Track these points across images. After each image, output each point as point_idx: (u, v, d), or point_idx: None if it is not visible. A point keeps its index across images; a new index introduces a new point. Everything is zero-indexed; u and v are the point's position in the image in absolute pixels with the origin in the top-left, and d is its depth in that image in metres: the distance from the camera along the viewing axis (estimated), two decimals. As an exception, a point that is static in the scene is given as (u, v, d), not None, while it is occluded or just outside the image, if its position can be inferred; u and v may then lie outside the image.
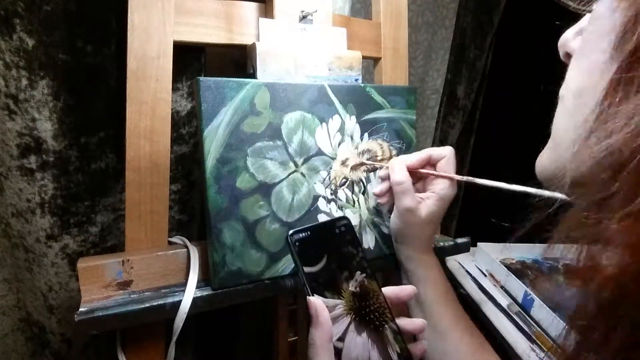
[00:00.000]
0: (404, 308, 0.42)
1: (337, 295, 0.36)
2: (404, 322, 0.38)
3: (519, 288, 0.71)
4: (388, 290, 0.39)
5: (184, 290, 0.43)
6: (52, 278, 0.55)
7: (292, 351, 0.58)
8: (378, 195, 0.51)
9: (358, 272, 0.38)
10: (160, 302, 0.41)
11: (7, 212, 0.52)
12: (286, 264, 0.47)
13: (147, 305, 0.41)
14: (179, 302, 0.42)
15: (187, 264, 0.45)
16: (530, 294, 0.68)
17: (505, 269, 0.76)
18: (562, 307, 0.55)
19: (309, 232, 0.37)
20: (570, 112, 0.25)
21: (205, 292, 0.43)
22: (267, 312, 0.58)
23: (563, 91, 0.26)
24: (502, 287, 0.75)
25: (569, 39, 0.27)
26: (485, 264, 0.82)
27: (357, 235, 0.39)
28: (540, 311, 0.65)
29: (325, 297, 0.35)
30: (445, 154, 0.48)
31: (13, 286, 0.57)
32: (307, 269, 0.36)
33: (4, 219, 0.53)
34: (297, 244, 0.36)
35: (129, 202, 0.43)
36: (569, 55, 0.26)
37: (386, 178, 0.50)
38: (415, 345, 0.38)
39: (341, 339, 0.35)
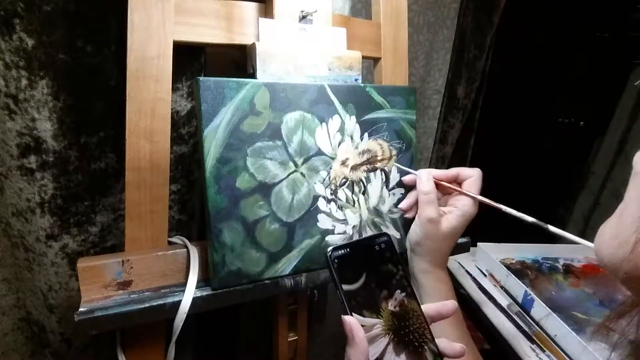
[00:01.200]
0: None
1: (375, 315, 0.35)
2: (443, 346, 0.37)
3: (519, 288, 0.71)
4: (429, 308, 0.38)
5: (183, 290, 0.43)
6: (52, 277, 0.55)
7: (292, 351, 0.58)
8: (405, 210, 0.52)
9: (398, 291, 0.37)
10: (160, 302, 0.41)
11: (7, 212, 0.52)
12: (286, 264, 0.47)
13: (147, 305, 0.41)
14: (179, 302, 0.42)
15: (187, 264, 0.45)
16: (530, 294, 0.68)
17: (505, 269, 0.76)
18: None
19: (348, 249, 0.36)
20: None
21: (205, 292, 0.43)
22: (267, 312, 0.58)
23: None
24: (502, 287, 0.75)
25: None
26: (485, 264, 0.82)
27: (397, 251, 0.38)
28: (540, 311, 0.65)
29: (364, 316, 0.34)
30: (473, 174, 0.50)
31: (13, 286, 0.57)
32: (345, 287, 0.35)
33: (4, 219, 0.53)
34: (336, 261, 0.35)
35: (129, 202, 0.43)
36: None
37: (411, 186, 0.51)
38: None
39: (379, 359, 0.34)
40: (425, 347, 0.36)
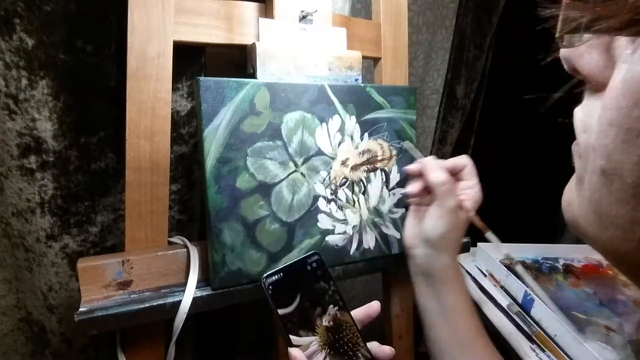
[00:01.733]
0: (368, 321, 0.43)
1: (311, 332, 0.37)
2: (375, 349, 0.40)
3: (519, 288, 0.71)
4: (358, 313, 0.41)
5: (183, 290, 0.43)
6: (52, 278, 0.55)
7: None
8: (413, 195, 0.49)
9: (331, 306, 0.39)
10: (160, 302, 0.41)
11: (7, 212, 0.52)
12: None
13: (147, 305, 0.41)
14: (179, 302, 0.42)
15: (187, 264, 0.45)
16: (530, 294, 0.68)
17: (505, 269, 0.76)
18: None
19: (281, 274, 0.38)
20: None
21: (205, 292, 0.43)
22: (267, 312, 0.58)
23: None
24: (502, 287, 0.75)
25: (583, 54, 0.20)
26: (485, 264, 0.82)
27: (327, 268, 0.41)
28: (540, 311, 0.65)
29: (300, 336, 0.37)
30: (466, 162, 0.48)
31: (13, 286, 0.57)
32: (281, 311, 0.37)
33: (4, 219, 0.53)
34: (270, 287, 0.38)
35: (129, 202, 0.43)
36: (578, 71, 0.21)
37: (416, 175, 0.49)
38: None
39: None
40: (359, 354, 0.38)
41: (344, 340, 0.38)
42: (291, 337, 0.36)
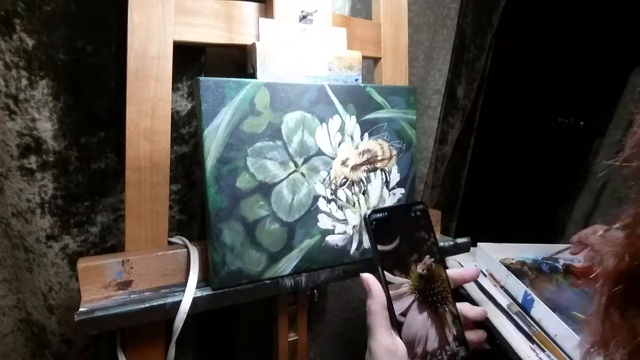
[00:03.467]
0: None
1: (405, 275, 0.39)
2: (465, 308, 0.41)
3: (519, 288, 0.71)
4: (453, 273, 0.42)
5: (184, 290, 0.43)
6: (52, 278, 0.55)
7: (292, 351, 0.58)
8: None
9: (427, 256, 0.40)
10: (160, 302, 0.41)
11: (7, 212, 0.52)
12: (286, 264, 0.47)
13: (147, 305, 0.41)
14: (179, 302, 0.42)
15: (187, 264, 0.45)
16: (530, 294, 0.68)
17: (505, 269, 0.76)
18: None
19: (386, 213, 0.39)
20: None
21: (205, 292, 0.43)
22: (267, 312, 0.58)
23: None
24: (502, 287, 0.75)
25: None
26: (485, 264, 0.82)
27: (430, 220, 0.42)
28: (540, 311, 0.65)
29: (394, 275, 0.38)
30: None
31: (13, 286, 0.57)
32: (380, 247, 0.38)
33: (4, 219, 0.53)
34: (374, 222, 0.39)
35: (129, 202, 0.43)
36: None
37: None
38: (473, 332, 0.41)
39: (403, 314, 0.38)
40: (447, 308, 0.40)
41: (435, 290, 0.40)
42: (385, 273, 0.38)
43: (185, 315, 0.42)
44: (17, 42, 0.46)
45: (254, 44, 0.46)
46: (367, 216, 0.39)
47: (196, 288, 0.43)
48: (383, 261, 0.38)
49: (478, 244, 0.84)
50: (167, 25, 0.43)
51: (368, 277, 0.38)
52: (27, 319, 0.58)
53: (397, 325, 0.37)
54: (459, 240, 0.63)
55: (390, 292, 0.37)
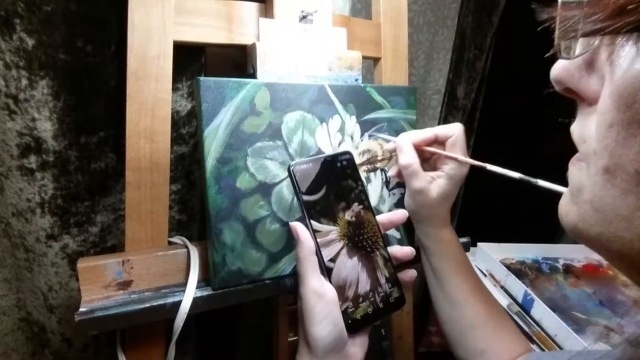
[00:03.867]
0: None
1: (332, 223, 0.39)
2: (394, 250, 0.43)
3: (519, 288, 0.71)
4: (383, 218, 0.43)
5: (184, 290, 0.43)
6: (52, 278, 0.55)
7: (292, 351, 0.58)
8: (393, 177, 0.53)
9: (355, 204, 0.41)
10: (160, 302, 0.41)
11: (7, 212, 0.52)
12: (286, 264, 0.47)
13: (147, 305, 0.41)
14: (179, 302, 0.42)
15: (187, 264, 0.45)
16: (530, 294, 0.68)
17: (505, 269, 0.76)
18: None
19: (310, 164, 0.40)
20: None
21: (205, 292, 0.43)
22: (267, 312, 0.58)
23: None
24: (502, 287, 0.75)
25: (574, 75, 0.23)
26: (485, 264, 0.82)
27: (358, 169, 0.42)
28: (540, 311, 0.65)
29: (321, 223, 0.39)
30: (453, 132, 0.47)
31: (13, 286, 0.57)
32: (305, 197, 0.39)
33: (4, 219, 0.53)
34: (297, 174, 0.39)
35: (129, 202, 0.43)
36: (571, 91, 0.23)
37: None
38: (404, 272, 0.42)
39: (332, 260, 0.38)
40: (377, 252, 0.41)
41: (364, 237, 0.40)
42: (312, 222, 0.38)
43: (185, 315, 0.42)
44: (17, 42, 0.46)
45: (254, 44, 0.46)
46: (290, 167, 0.39)
47: (196, 288, 0.43)
48: (310, 210, 0.38)
49: (478, 244, 0.84)
50: (167, 25, 0.43)
51: (296, 225, 0.38)
52: (27, 319, 0.58)
53: (326, 270, 0.38)
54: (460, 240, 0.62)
55: (318, 239, 0.38)
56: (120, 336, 0.44)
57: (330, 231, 0.39)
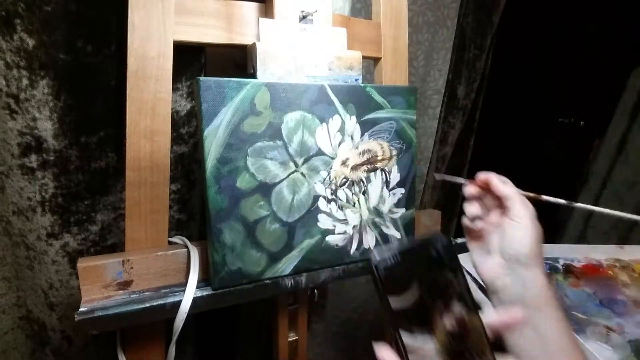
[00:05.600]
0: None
1: (428, 332, 0.30)
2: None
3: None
4: (492, 320, 0.32)
5: (184, 290, 0.43)
6: (52, 276, 0.55)
7: (292, 351, 0.58)
8: (474, 216, 0.46)
9: (456, 304, 0.31)
10: (160, 302, 0.41)
11: (8, 211, 0.52)
12: (286, 264, 0.47)
13: (147, 305, 0.41)
14: (179, 302, 0.42)
15: (187, 264, 0.45)
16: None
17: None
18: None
19: (398, 258, 0.30)
20: None
21: (205, 292, 0.43)
22: (267, 312, 0.58)
23: None
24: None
25: None
26: (485, 264, 0.82)
27: (457, 256, 0.32)
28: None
29: (413, 333, 0.30)
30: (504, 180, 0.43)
31: (13, 284, 0.57)
32: (393, 301, 0.29)
33: (5, 217, 0.53)
34: (382, 271, 0.29)
35: (129, 201, 0.43)
36: None
37: (473, 197, 0.45)
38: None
39: None
40: None
41: (469, 349, 0.31)
42: (402, 333, 0.29)
43: (185, 315, 0.42)
44: (18, 42, 0.46)
45: (254, 44, 0.46)
46: (374, 264, 0.29)
47: (196, 288, 0.43)
48: (398, 319, 0.29)
49: (478, 244, 0.84)
50: (167, 25, 0.43)
51: (383, 353, 0.29)
52: (27, 317, 0.59)
53: None
54: (459, 241, 0.62)
55: (410, 358, 0.29)
56: (121, 336, 0.44)
57: (426, 344, 0.30)
